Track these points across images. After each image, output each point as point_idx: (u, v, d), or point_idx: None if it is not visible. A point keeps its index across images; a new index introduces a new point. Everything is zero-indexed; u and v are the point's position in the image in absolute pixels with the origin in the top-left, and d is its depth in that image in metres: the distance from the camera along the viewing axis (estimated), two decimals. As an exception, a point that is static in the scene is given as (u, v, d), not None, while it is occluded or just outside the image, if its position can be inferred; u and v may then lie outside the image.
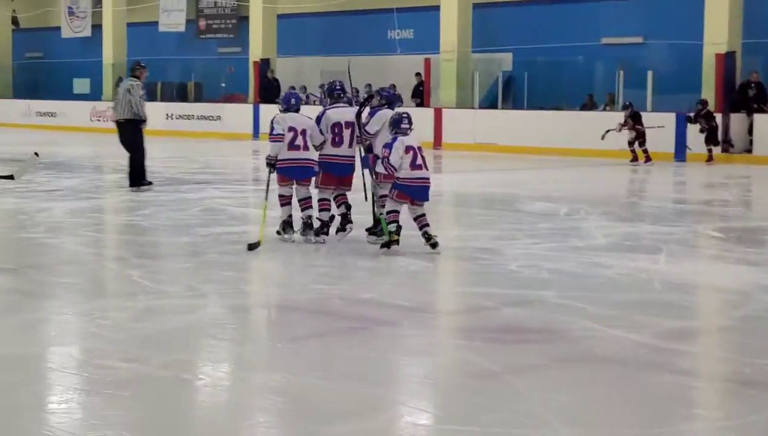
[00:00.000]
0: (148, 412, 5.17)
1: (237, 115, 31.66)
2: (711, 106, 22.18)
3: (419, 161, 9.74)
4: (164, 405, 5.31)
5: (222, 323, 7.20)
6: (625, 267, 9.28)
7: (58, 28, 40.32)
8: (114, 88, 35.21)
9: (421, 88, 28.27)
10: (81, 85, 39.38)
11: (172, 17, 36.01)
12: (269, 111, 29.45)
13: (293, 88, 27.24)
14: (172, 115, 33.26)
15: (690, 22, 24.13)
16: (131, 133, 15.33)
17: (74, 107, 36.39)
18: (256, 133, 30.68)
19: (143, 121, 15.33)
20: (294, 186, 10.37)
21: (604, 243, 10.80)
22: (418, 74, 28.34)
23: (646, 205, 14.78)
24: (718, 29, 22.91)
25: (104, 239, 11.77)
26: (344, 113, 10.42)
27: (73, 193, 14.34)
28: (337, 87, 10.65)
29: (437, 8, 27.62)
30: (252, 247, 9.72)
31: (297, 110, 10.44)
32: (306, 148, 10.26)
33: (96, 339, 6.62)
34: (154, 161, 18.71)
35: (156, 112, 33.30)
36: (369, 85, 24.94)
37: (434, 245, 9.71)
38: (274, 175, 10.28)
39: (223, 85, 35.06)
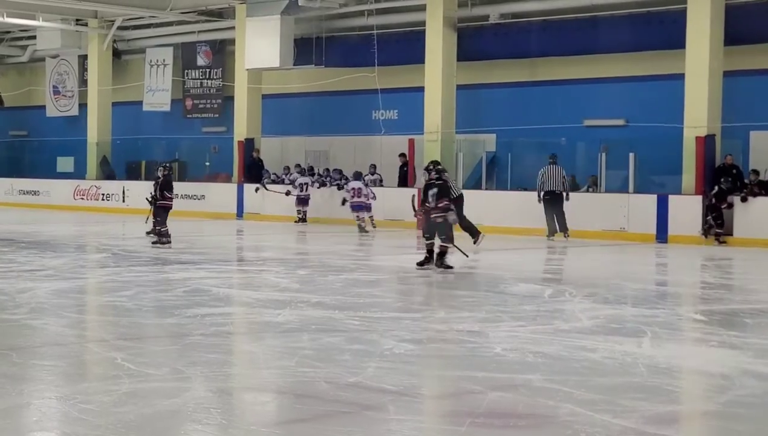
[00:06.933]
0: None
1: (221, 194, 31.71)
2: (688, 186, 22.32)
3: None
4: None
5: (207, 406, 7.14)
6: (610, 350, 9.27)
7: (43, 107, 40.42)
8: (98, 167, 35.36)
9: (405, 169, 28.38)
10: (65, 163, 39.45)
11: (157, 97, 36.16)
12: (253, 190, 29.68)
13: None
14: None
15: (671, 106, 24.33)
16: None
17: (58, 186, 36.42)
18: (240, 212, 30.72)
19: None
20: None
21: (588, 326, 10.81)
22: (402, 155, 28.46)
23: (630, 288, 14.78)
24: (698, 113, 23.07)
25: (87, 320, 11.70)
26: None
27: (56, 274, 14.27)
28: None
29: (421, 89, 27.81)
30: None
31: None
32: None
33: (78, 424, 6.55)
34: (138, 241, 18.71)
35: (140, 191, 33.54)
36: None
37: None
38: None
39: (208, 164, 35.15)
